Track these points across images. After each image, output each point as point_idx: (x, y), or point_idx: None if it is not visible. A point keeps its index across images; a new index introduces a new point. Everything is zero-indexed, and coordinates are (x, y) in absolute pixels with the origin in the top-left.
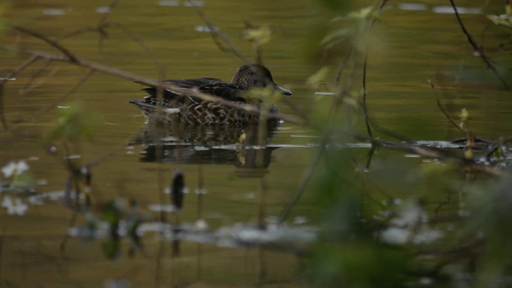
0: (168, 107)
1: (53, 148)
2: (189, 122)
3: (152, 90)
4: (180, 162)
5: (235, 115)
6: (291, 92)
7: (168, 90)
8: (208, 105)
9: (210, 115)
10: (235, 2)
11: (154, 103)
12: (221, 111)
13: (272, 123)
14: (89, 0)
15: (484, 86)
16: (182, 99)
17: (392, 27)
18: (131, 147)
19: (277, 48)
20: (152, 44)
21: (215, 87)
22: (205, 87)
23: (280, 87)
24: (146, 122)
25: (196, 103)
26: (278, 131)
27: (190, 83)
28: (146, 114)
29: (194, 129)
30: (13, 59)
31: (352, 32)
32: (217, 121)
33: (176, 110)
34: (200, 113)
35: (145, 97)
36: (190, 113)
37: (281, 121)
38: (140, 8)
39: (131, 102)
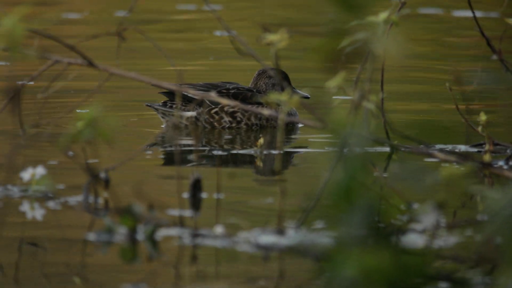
0: (185, 111)
1: (71, 153)
2: (206, 125)
3: (169, 94)
4: (198, 167)
5: (252, 118)
6: (309, 96)
7: (186, 93)
8: (225, 109)
9: (227, 118)
10: (251, 13)
11: (171, 107)
12: (238, 114)
13: (290, 127)
14: (106, 4)
15: (502, 89)
16: (199, 103)
17: (410, 31)
18: (149, 152)
19: (294, 50)
20: (170, 48)
21: (232, 91)
22: (222, 90)
23: (298, 91)
24: (163, 126)
25: (213, 106)
26: (296, 135)
27: (207, 87)
28: (162, 117)
29: (212, 133)
30: (32, 63)
31: (370, 35)
32: (234, 125)
33: (193, 113)
34: (217, 117)
35: (162, 101)
36: (207, 116)
37: (300, 125)
38: (158, 12)
39: (147, 105)
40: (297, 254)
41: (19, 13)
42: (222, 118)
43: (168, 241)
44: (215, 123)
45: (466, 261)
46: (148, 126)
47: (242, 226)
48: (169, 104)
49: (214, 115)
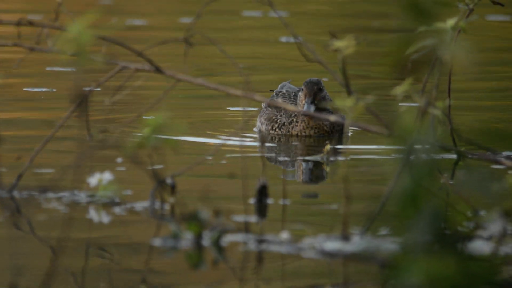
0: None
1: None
2: None
3: None
4: (264, 172)
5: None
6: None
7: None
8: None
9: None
10: (319, 13)
11: None
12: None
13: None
14: (172, 10)
15: None
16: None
17: (479, 38)
18: (212, 157)
19: (361, 57)
20: (237, 54)
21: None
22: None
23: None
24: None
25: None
26: (362, 142)
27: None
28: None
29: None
30: (99, 70)
31: (438, 42)
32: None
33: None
34: None
35: None
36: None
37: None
38: (224, 18)
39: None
40: (362, 260)
41: (86, 19)
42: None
43: (233, 247)
44: None
45: None
46: (214, 129)
47: (308, 232)
48: None
49: None
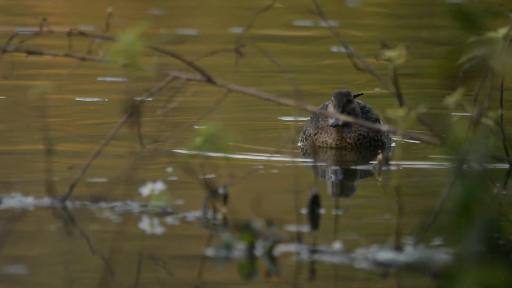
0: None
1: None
2: None
3: None
4: (316, 182)
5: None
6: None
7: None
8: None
9: None
10: (370, 25)
11: None
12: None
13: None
14: (222, 20)
15: None
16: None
17: None
18: (263, 166)
19: (413, 66)
20: (287, 63)
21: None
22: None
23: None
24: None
25: None
26: (414, 151)
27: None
28: None
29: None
30: (150, 79)
31: (489, 52)
32: None
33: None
34: None
35: None
36: None
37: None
38: (274, 27)
39: None
40: (415, 270)
41: (137, 29)
42: None
43: (286, 257)
44: None
45: None
46: (265, 140)
47: (360, 243)
48: None
49: None
